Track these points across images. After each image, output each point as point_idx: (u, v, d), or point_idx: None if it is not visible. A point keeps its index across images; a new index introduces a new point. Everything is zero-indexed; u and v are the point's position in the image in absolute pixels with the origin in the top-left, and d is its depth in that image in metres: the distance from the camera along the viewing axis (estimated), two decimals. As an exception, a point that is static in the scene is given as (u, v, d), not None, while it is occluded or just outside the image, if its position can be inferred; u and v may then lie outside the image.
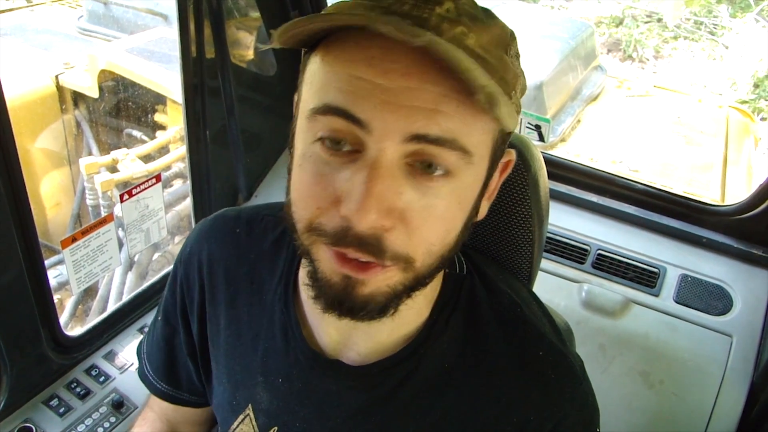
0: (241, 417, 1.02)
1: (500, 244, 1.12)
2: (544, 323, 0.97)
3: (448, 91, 0.68)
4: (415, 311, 0.89)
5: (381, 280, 0.75)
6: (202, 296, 1.06)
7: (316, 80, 0.74)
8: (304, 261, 0.83)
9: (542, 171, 1.08)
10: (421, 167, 0.71)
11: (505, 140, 0.80)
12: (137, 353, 1.23)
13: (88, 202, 2.78)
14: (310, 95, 0.74)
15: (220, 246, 1.05)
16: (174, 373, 1.17)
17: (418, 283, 0.78)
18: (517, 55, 0.79)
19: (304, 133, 0.76)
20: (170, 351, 1.16)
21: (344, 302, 0.76)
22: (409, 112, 0.68)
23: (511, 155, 0.87)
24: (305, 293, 0.84)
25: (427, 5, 0.70)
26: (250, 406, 1.01)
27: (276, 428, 0.98)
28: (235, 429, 1.03)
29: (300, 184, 0.76)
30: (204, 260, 1.05)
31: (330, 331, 0.93)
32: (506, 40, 0.76)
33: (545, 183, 1.09)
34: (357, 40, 0.70)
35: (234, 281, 1.03)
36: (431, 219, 0.73)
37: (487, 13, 0.75)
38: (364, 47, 0.70)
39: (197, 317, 1.07)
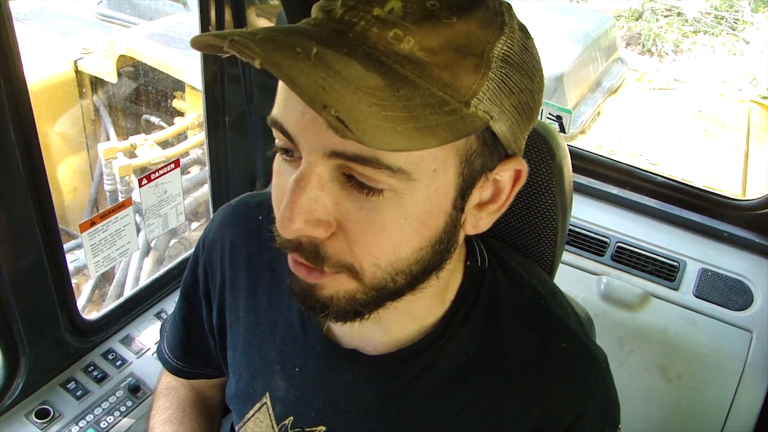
0: (258, 405, 1.01)
1: (524, 232, 1.10)
2: (569, 315, 0.95)
3: None
4: (425, 307, 0.88)
5: (333, 286, 0.75)
6: (222, 282, 1.06)
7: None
8: None
9: (567, 160, 1.07)
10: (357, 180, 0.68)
11: (485, 148, 0.72)
12: (160, 331, 1.25)
13: (106, 187, 2.78)
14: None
15: (241, 233, 1.05)
16: (189, 351, 1.19)
17: (382, 296, 0.76)
18: (505, 58, 0.69)
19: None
20: (186, 329, 1.18)
21: (307, 299, 0.77)
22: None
23: (521, 164, 0.77)
24: None
25: (366, 6, 0.65)
26: (267, 394, 1.00)
27: (292, 418, 0.98)
28: (251, 417, 1.02)
29: (273, 185, 0.77)
30: (226, 247, 1.05)
31: (345, 325, 0.92)
32: (479, 39, 0.67)
33: (569, 172, 1.08)
34: None
35: (255, 269, 1.02)
36: (371, 232, 0.70)
37: (457, 14, 0.66)
38: None
39: (217, 303, 1.08)
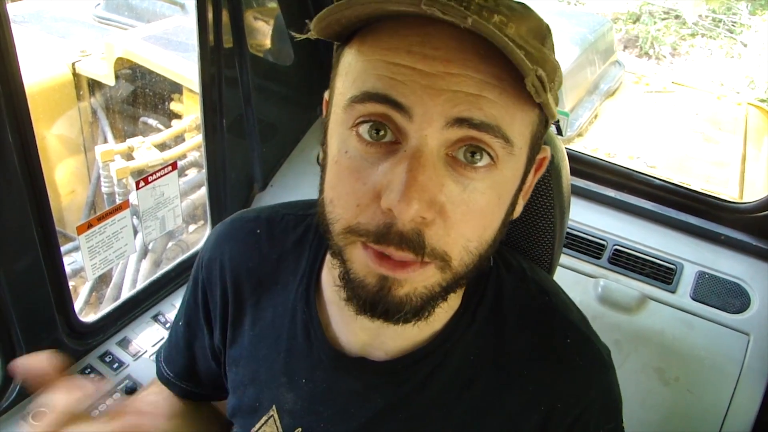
0: (265, 418, 1.00)
1: (521, 234, 1.11)
2: (572, 311, 0.96)
3: (491, 79, 0.67)
4: (447, 307, 0.88)
5: (419, 280, 0.73)
6: (224, 300, 1.04)
7: (353, 71, 0.72)
8: (334, 261, 0.79)
9: (564, 162, 1.07)
10: (464, 158, 0.70)
11: (542, 134, 0.78)
12: (156, 358, 1.23)
13: (103, 189, 2.77)
14: (347, 86, 0.73)
15: (241, 248, 1.03)
16: (196, 375, 1.17)
17: (455, 283, 0.77)
18: (553, 49, 0.77)
19: (340, 125, 0.74)
20: (191, 355, 1.16)
21: (378, 304, 0.74)
22: (451, 96, 0.67)
23: (546, 152, 0.85)
24: (336, 294, 0.83)
25: None
26: (274, 407, 0.99)
27: (300, 429, 0.97)
28: (257, 431, 1.01)
29: (337, 180, 0.74)
30: (226, 264, 1.04)
31: (356, 332, 0.91)
32: (543, 32, 0.75)
33: (567, 175, 1.08)
34: (395, 28, 0.69)
35: (259, 282, 1.02)
36: (470, 214, 0.71)
37: (524, 6, 0.73)
38: (403, 35, 0.68)
39: (220, 321, 1.06)
